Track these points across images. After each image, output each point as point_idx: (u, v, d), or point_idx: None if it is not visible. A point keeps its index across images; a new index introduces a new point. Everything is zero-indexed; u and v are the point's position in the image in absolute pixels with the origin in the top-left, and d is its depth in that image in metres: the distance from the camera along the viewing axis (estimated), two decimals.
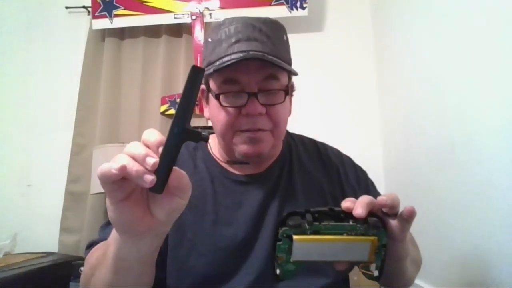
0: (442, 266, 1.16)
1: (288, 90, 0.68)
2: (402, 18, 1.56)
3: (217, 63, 0.63)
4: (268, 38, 0.64)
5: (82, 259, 1.58)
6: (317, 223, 0.45)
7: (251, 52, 0.61)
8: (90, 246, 0.67)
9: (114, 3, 1.86)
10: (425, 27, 1.32)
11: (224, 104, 0.65)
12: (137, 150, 0.37)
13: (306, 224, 0.44)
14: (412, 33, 1.45)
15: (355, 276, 1.30)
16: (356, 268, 0.51)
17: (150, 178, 0.35)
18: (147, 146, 0.38)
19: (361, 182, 0.79)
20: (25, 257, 1.53)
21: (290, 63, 0.69)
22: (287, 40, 0.70)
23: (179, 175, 0.39)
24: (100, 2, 1.86)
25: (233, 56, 0.61)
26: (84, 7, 1.93)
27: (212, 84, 0.68)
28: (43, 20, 2.01)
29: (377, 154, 1.83)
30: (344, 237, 0.45)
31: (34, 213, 1.85)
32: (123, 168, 0.35)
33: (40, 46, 2.00)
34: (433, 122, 1.25)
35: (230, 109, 0.65)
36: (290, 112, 0.75)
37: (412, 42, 1.44)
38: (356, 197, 0.48)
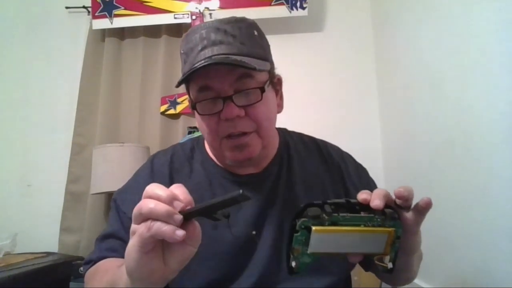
0: (442, 266, 1.16)
1: (264, 87, 0.65)
2: (402, 18, 1.56)
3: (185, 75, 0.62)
4: (234, 38, 0.63)
5: (82, 259, 1.58)
6: (335, 214, 0.44)
7: (213, 57, 0.61)
8: (88, 262, 0.68)
9: (114, 3, 1.86)
10: (425, 27, 1.32)
11: (202, 112, 0.64)
12: (163, 209, 0.40)
13: (324, 215, 0.44)
14: (412, 33, 1.45)
15: (355, 276, 1.30)
16: (356, 268, 0.51)
17: (181, 234, 0.39)
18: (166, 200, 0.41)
19: (362, 180, 0.79)
20: (25, 257, 1.53)
21: (265, 57, 0.67)
22: (259, 35, 0.68)
23: (195, 226, 0.42)
24: (100, 2, 1.87)
25: (196, 65, 0.60)
26: (84, 7, 1.93)
27: (191, 95, 0.67)
28: (43, 20, 2.01)
29: (377, 154, 1.83)
30: (363, 228, 0.45)
31: (34, 213, 1.85)
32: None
33: (40, 46, 2.00)
34: (433, 122, 1.25)
35: (209, 117, 0.64)
36: (281, 107, 0.73)
37: (412, 42, 1.45)
38: None
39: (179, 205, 0.41)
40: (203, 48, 0.62)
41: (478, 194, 0.99)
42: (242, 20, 0.66)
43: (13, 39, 2.01)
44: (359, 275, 1.33)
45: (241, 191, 0.38)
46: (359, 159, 0.84)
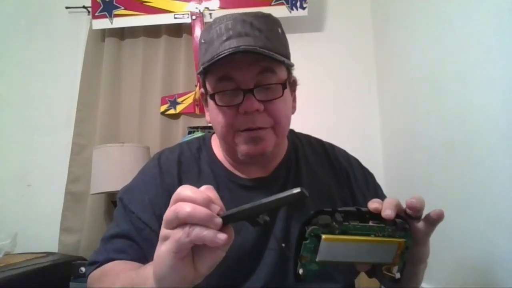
0: (443, 266, 1.16)
1: (286, 83, 0.65)
2: (402, 18, 1.56)
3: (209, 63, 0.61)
4: (260, 32, 0.61)
5: (82, 259, 1.58)
6: (346, 223, 0.44)
7: (241, 47, 0.59)
8: (93, 263, 0.65)
9: (114, 3, 1.86)
10: (425, 27, 1.32)
11: (220, 103, 0.63)
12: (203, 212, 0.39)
13: (335, 224, 0.43)
14: (412, 33, 1.45)
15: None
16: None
17: (223, 237, 0.38)
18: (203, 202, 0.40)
19: (370, 187, 0.78)
20: (25, 257, 1.53)
21: (287, 56, 0.66)
22: (282, 33, 0.67)
23: (230, 230, 0.41)
24: (100, 2, 1.86)
25: (223, 53, 0.59)
26: (84, 7, 1.93)
27: (208, 85, 0.66)
28: (43, 20, 2.01)
29: (377, 154, 1.83)
30: (373, 238, 0.44)
31: (34, 213, 1.85)
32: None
33: (40, 46, 2.00)
34: (433, 122, 1.25)
35: (227, 109, 0.63)
36: (294, 108, 0.72)
37: (412, 42, 1.44)
38: (366, 201, 0.47)
39: (216, 208, 0.40)
40: (228, 38, 0.60)
41: (478, 194, 0.99)
42: (268, 16, 0.66)
43: (13, 39, 2.01)
44: (358, 278, 1.32)
45: (299, 189, 0.36)
46: (359, 159, 0.83)
